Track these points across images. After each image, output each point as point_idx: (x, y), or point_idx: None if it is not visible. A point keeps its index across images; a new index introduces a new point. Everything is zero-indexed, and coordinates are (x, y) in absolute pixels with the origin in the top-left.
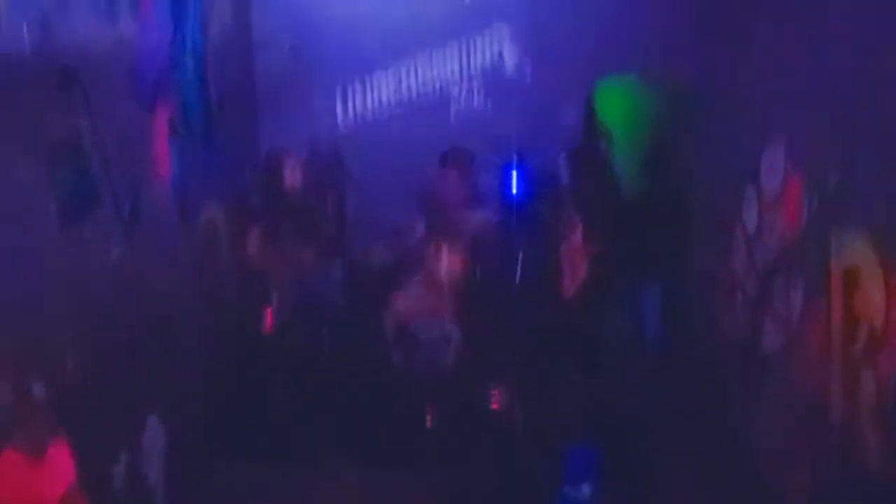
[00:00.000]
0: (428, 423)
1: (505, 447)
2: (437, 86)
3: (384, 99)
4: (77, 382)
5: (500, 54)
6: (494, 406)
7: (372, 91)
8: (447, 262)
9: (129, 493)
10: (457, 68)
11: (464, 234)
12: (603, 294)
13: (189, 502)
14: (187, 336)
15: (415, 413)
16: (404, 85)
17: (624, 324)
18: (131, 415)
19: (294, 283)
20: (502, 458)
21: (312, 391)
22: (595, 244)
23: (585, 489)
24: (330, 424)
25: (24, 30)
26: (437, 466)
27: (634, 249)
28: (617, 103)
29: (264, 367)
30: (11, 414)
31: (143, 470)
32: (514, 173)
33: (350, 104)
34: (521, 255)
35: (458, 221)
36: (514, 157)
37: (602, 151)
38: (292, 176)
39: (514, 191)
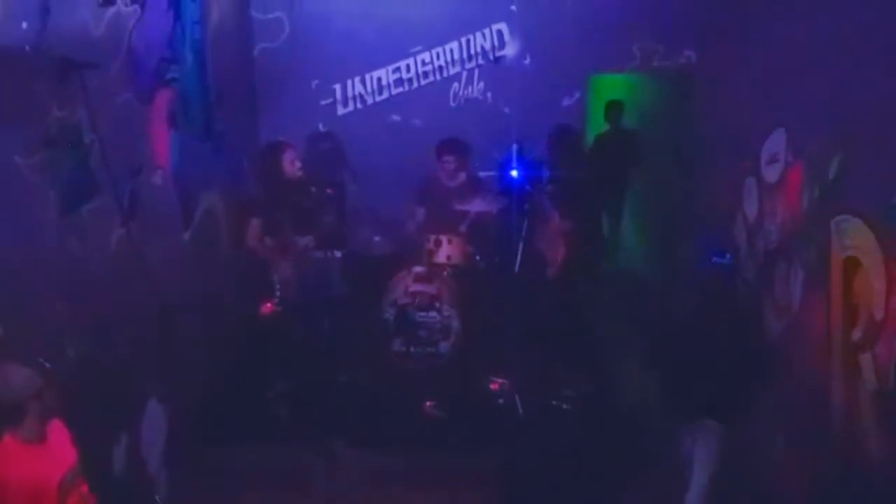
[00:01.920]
0: (427, 409)
1: (504, 431)
2: (437, 77)
3: (383, 90)
4: (77, 366)
5: (500, 47)
6: (494, 387)
7: (371, 82)
8: (447, 250)
9: (128, 476)
10: (457, 59)
11: (463, 222)
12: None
13: (188, 485)
14: (188, 322)
15: (414, 398)
16: (404, 76)
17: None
18: (131, 398)
19: (294, 272)
20: (501, 442)
21: (313, 378)
22: (570, 224)
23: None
24: (330, 411)
25: (24, 21)
26: (436, 451)
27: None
28: (613, 94)
29: (264, 353)
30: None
31: (142, 453)
32: (514, 162)
33: (349, 95)
34: (521, 245)
35: (457, 209)
36: (514, 147)
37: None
38: (291, 166)
39: (515, 174)
